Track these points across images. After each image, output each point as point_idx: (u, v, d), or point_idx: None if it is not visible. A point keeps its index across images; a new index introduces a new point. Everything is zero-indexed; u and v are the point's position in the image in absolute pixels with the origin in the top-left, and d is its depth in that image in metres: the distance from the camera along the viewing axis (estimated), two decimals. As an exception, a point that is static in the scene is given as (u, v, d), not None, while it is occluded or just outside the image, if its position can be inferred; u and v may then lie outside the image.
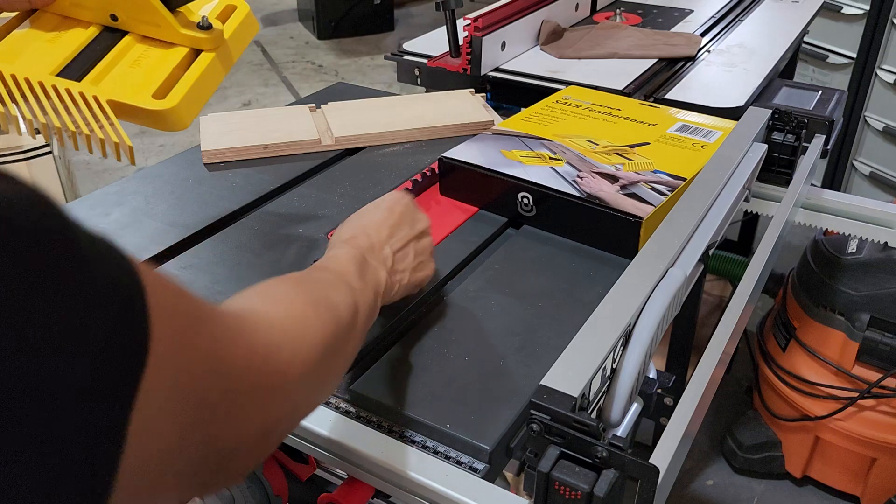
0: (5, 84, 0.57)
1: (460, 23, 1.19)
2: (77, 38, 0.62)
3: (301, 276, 0.52)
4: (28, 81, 0.57)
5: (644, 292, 0.64)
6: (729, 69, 1.20)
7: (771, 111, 0.99)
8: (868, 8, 2.04)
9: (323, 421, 0.59)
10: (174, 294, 0.32)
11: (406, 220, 0.65)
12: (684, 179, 0.84)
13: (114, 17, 0.62)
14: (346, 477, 0.61)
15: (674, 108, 1.03)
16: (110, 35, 0.63)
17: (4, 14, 0.62)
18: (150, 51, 0.62)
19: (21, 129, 0.58)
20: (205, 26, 0.61)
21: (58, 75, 0.59)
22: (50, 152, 1.73)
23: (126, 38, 0.63)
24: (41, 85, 0.57)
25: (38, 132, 1.68)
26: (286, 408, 0.41)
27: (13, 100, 0.57)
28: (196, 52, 0.63)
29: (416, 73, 1.25)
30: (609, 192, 0.80)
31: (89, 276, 0.26)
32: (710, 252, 0.78)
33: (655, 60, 1.22)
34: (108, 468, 0.26)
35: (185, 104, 0.60)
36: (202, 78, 0.61)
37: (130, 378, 0.27)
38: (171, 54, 0.61)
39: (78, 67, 0.60)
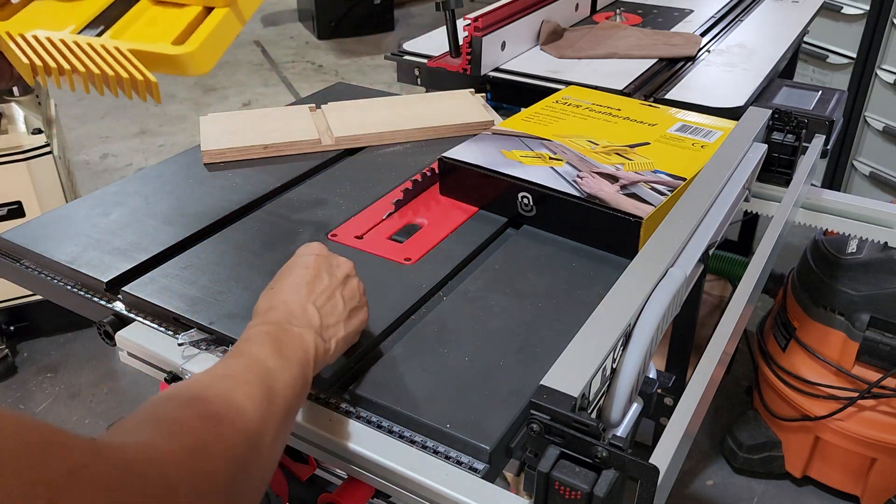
0: (28, 43, 0.58)
1: (460, 23, 1.19)
2: (93, 5, 0.65)
3: (198, 386, 0.47)
4: (49, 40, 0.59)
5: (644, 292, 0.64)
6: (729, 69, 1.20)
7: (771, 111, 0.99)
8: (868, 8, 2.04)
9: (323, 421, 0.59)
10: (39, 451, 0.29)
11: (324, 271, 0.61)
12: (684, 179, 0.84)
13: None
14: (346, 477, 0.61)
15: (674, 108, 1.03)
16: (125, 1, 0.66)
17: None
18: (165, 11, 0.65)
19: (44, 80, 0.59)
20: None
21: (77, 34, 0.61)
22: (50, 152, 1.73)
23: (141, 2, 0.66)
24: (63, 42, 0.59)
25: (39, 132, 1.66)
26: None
27: (38, 55, 0.58)
28: (209, 11, 0.66)
29: (416, 73, 1.25)
30: (609, 192, 0.80)
31: None
32: (710, 252, 0.78)
33: (655, 60, 1.22)
34: None
35: (204, 49, 0.62)
36: (218, 27, 0.64)
37: None
38: (186, 12, 0.65)
39: (96, 27, 0.62)
